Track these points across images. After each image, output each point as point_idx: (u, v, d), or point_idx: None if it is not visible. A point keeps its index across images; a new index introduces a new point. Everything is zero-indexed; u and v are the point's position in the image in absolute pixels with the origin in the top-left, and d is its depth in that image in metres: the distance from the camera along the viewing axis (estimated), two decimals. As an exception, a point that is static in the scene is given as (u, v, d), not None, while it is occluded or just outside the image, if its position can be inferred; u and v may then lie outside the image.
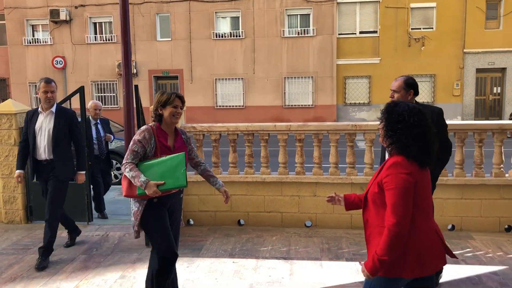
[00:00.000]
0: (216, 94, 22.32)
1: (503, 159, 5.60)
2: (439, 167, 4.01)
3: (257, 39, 21.69)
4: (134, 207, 3.40)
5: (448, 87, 21.19)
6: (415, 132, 2.37)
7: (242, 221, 5.97)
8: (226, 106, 22.26)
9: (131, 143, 3.34)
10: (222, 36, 22.01)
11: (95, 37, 22.66)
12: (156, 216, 3.38)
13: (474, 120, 20.63)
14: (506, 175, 5.62)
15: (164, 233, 3.38)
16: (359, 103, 21.78)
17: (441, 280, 4.17)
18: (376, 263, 2.35)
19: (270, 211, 5.91)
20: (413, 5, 20.92)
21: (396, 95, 3.92)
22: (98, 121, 6.66)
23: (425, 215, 2.45)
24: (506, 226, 5.57)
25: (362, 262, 2.48)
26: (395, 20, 21.12)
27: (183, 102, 3.45)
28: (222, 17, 22.22)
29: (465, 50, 20.86)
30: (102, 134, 6.60)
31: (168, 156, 3.29)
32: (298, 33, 21.56)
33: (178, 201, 3.62)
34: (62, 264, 4.74)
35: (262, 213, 5.92)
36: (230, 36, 21.96)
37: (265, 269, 4.48)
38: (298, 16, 21.75)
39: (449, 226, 5.62)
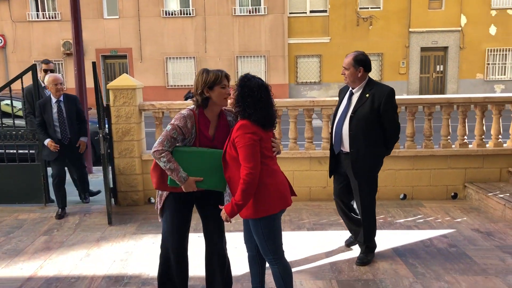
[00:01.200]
0: (167, 73, 21.96)
1: (450, 131, 5.97)
2: (388, 149, 4.00)
3: (208, 17, 21.43)
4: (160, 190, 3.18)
5: (394, 65, 21.93)
6: (259, 105, 2.83)
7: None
8: (178, 85, 21.94)
9: (169, 127, 2.93)
10: (172, 14, 21.56)
11: (37, 14, 21.57)
12: (176, 205, 3.12)
13: (419, 97, 21.49)
14: (453, 146, 6.00)
15: (175, 226, 3.13)
16: (310, 82, 22.14)
17: (396, 244, 4.46)
18: (234, 207, 2.78)
19: (232, 187, 5.99)
20: (361, -16, 21.36)
21: (346, 72, 3.89)
22: (61, 98, 5.53)
23: (275, 162, 3.01)
24: (453, 194, 5.97)
25: (222, 207, 2.89)
26: (344, -1, 21.49)
27: (229, 80, 3.03)
28: (171, -5, 21.76)
29: (410, 30, 21.61)
30: (65, 114, 5.49)
31: (209, 150, 2.97)
32: (250, 11, 21.49)
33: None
34: (22, 246, 4.65)
35: (223, 189, 5.99)
36: (180, 14, 21.56)
37: (232, 241, 4.58)
38: (249, -6, 21.67)
39: (401, 196, 5.96)
